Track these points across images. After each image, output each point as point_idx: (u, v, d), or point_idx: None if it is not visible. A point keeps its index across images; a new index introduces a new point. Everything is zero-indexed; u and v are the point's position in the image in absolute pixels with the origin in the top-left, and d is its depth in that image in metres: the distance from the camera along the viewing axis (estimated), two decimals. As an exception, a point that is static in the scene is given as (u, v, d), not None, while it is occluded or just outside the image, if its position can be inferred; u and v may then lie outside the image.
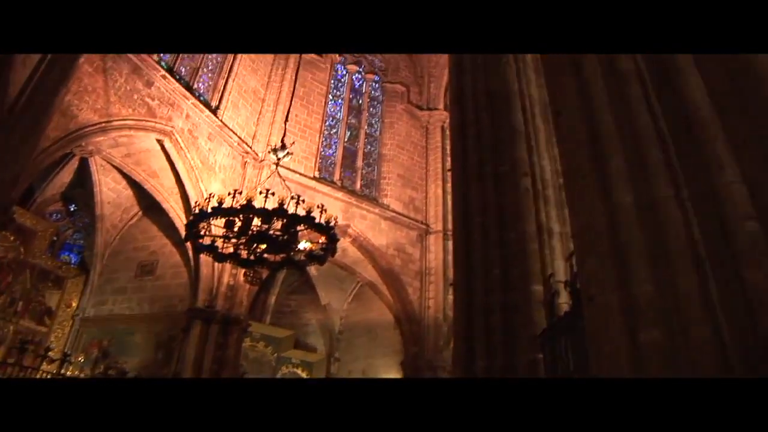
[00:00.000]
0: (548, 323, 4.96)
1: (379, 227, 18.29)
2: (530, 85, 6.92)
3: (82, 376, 13.74)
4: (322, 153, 18.76)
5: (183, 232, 11.37)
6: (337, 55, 20.67)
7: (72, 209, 16.74)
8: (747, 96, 2.88)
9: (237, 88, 16.40)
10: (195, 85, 15.29)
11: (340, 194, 17.82)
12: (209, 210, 9.39)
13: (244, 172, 15.77)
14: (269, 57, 18.04)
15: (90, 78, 11.57)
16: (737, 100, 2.92)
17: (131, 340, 14.82)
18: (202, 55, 15.95)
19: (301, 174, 16.89)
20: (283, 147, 11.76)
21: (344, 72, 21.29)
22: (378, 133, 20.89)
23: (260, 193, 9.42)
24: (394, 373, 17.45)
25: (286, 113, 14.37)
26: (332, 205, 15.91)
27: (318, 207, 9.79)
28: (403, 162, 20.15)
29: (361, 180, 19.49)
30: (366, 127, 20.85)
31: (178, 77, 14.37)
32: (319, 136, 18.63)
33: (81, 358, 14.54)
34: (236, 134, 15.68)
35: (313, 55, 19.43)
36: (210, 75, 16.24)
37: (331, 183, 18.12)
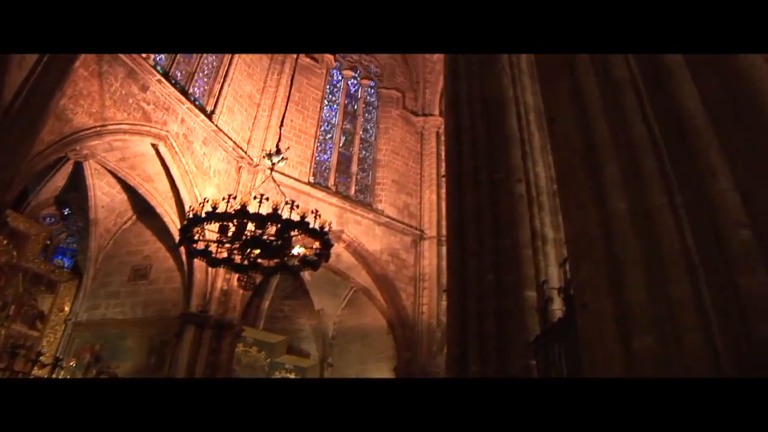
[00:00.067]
0: (542, 329, 4.96)
1: (373, 233, 18.29)
2: (525, 91, 6.95)
3: (74, 380, 13.68)
4: (317, 158, 18.76)
5: (177, 237, 11.35)
6: (332, 60, 20.69)
7: (66, 213, 16.68)
8: (740, 104, 2.90)
9: (232, 92, 16.40)
10: (190, 90, 15.28)
11: (334, 199, 17.82)
12: (203, 215, 9.36)
13: (238, 176, 15.76)
14: (265, 62, 18.05)
15: (85, 82, 11.55)
16: (731, 108, 2.94)
17: (124, 345, 14.75)
18: (197, 60, 15.95)
19: (295, 179, 16.88)
20: (278, 152, 11.73)
21: (340, 77, 21.31)
22: (373, 138, 20.90)
23: (254, 198, 9.40)
24: (387, 379, 17.42)
25: (281, 118, 14.33)
26: (326, 210, 15.89)
27: (312, 212, 9.78)
28: (397, 167, 20.16)
29: (356, 185, 19.49)
30: (361, 132, 20.86)
31: (173, 81, 14.36)
32: (314, 142, 18.63)
33: (73, 363, 14.48)
34: (231, 139, 15.67)
35: (308, 60, 19.45)
36: (205, 79, 16.23)
37: (325, 188, 18.11)
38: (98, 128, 12.06)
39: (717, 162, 2.86)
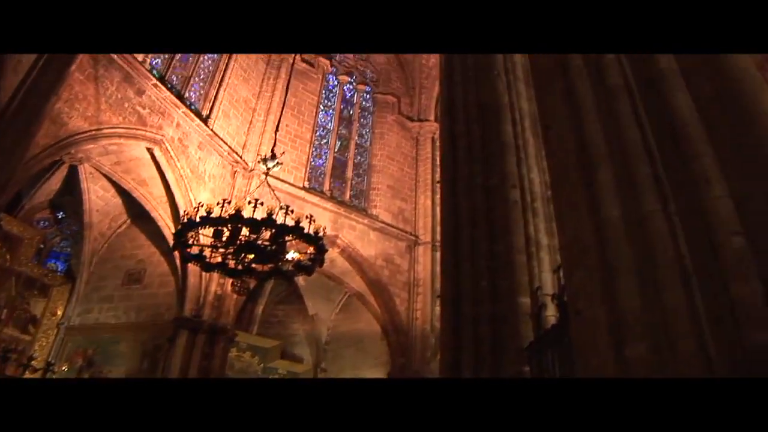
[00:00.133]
0: (535, 336, 4.96)
1: (367, 238, 18.27)
2: (520, 98, 6.96)
3: (66, 385, 13.61)
4: (312, 163, 18.75)
5: (171, 241, 11.32)
6: (329, 65, 20.70)
7: (60, 217, 16.62)
8: (734, 112, 2.91)
9: (228, 97, 16.40)
10: (186, 94, 15.27)
11: (329, 204, 17.81)
12: (198, 219, 9.35)
13: (233, 181, 15.75)
14: (261, 67, 18.06)
15: (81, 85, 11.54)
16: (724, 116, 2.95)
17: (116, 349, 14.69)
18: (193, 64, 15.95)
19: (290, 184, 16.87)
20: (273, 157, 11.72)
21: (336, 82, 21.32)
22: (368, 143, 20.90)
23: (249, 202, 9.39)
24: (381, 385, 17.32)
25: (276, 123, 14.33)
26: (321, 215, 15.89)
27: (307, 217, 9.77)
28: (392, 173, 20.16)
29: (351, 190, 19.48)
30: (356, 137, 20.86)
31: (169, 86, 14.35)
32: (310, 146, 18.63)
33: (65, 368, 14.41)
34: (226, 143, 15.66)
35: (305, 65, 19.47)
36: (201, 84, 16.23)
37: (320, 193, 18.10)
38: (93, 132, 12.04)
39: (711, 169, 2.87)
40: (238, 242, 9.54)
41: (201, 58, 16.28)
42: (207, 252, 9.98)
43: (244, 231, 9.45)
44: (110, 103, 12.32)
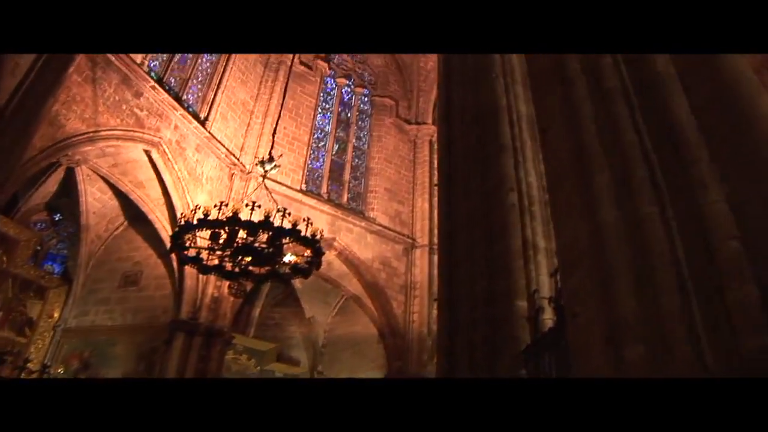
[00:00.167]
0: (532, 339, 4.95)
1: (365, 241, 18.28)
2: (518, 100, 6.95)
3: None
4: (310, 165, 18.77)
5: (168, 244, 11.31)
6: (327, 68, 20.73)
7: (56, 219, 16.61)
8: (731, 116, 2.91)
9: (226, 99, 16.41)
10: (184, 96, 15.28)
11: (326, 207, 17.82)
12: (195, 221, 9.34)
13: (231, 184, 15.75)
14: (259, 69, 18.08)
15: (79, 87, 11.53)
16: (722, 121, 2.95)
17: (112, 352, 14.68)
18: (191, 66, 15.96)
19: (287, 186, 16.88)
20: (271, 159, 11.72)
21: (334, 85, 21.34)
22: (366, 146, 20.92)
23: (246, 205, 9.39)
24: (378, 388, 17.30)
25: (274, 125, 14.34)
26: (318, 217, 15.91)
27: (304, 220, 9.77)
28: (390, 176, 20.18)
29: (348, 193, 19.50)
30: (354, 140, 20.89)
31: (167, 88, 14.37)
32: (307, 149, 18.66)
33: (61, 370, 14.40)
34: (224, 146, 15.67)
35: (303, 68, 19.49)
36: (199, 86, 16.24)
37: (317, 196, 18.11)
38: (91, 134, 12.03)
39: (708, 173, 2.87)
40: (235, 245, 9.53)
41: (199, 61, 16.31)
42: (204, 254, 9.97)
43: (242, 233, 9.44)
44: (108, 105, 12.31)
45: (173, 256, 12.20)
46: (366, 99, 21.94)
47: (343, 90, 21.54)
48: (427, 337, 17.08)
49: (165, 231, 14.12)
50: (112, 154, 13.45)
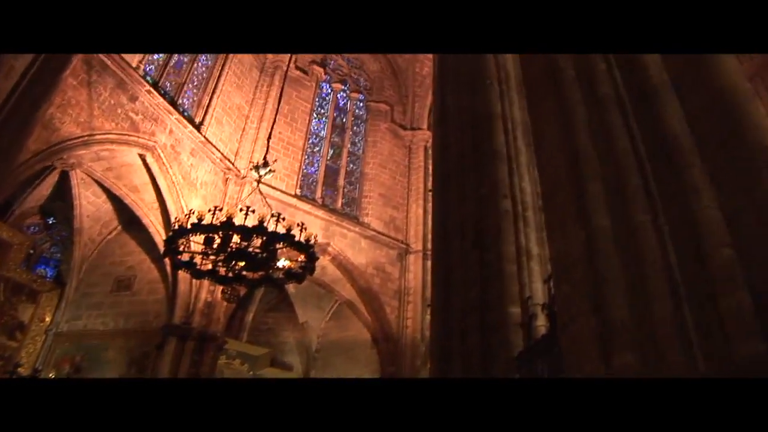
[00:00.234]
0: (525, 345, 4.96)
1: (359, 246, 18.27)
2: (513, 107, 6.97)
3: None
4: (304, 171, 18.74)
5: (162, 248, 11.29)
6: (322, 73, 20.74)
7: (50, 222, 16.54)
8: (725, 124, 2.93)
9: (221, 104, 16.39)
10: (179, 101, 15.26)
11: (320, 212, 17.80)
12: (189, 226, 9.32)
13: (225, 188, 15.72)
14: (255, 74, 18.09)
15: (74, 91, 11.51)
16: (715, 128, 2.97)
17: (104, 356, 14.60)
18: (187, 71, 15.95)
19: (282, 191, 16.85)
20: (266, 164, 11.71)
21: (329, 90, 21.33)
22: (361, 151, 20.92)
23: (241, 210, 9.37)
24: (371, 393, 17.26)
25: (269, 130, 14.32)
26: (313, 222, 15.89)
27: (298, 225, 9.75)
28: (384, 181, 20.17)
29: (343, 198, 19.48)
30: (349, 145, 20.87)
31: (162, 92, 14.35)
32: (302, 154, 18.63)
33: (52, 374, 14.32)
34: (219, 150, 15.64)
35: (298, 73, 19.48)
36: (195, 91, 16.22)
37: (312, 201, 18.09)
38: (86, 138, 12.00)
39: (700, 179, 2.89)
40: (229, 249, 9.51)
41: (195, 65, 16.30)
42: (198, 259, 9.95)
43: (235, 238, 9.43)
44: (103, 109, 12.29)
45: (167, 260, 12.15)
46: (361, 104, 21.94)
47: (338, 95, 21.54)
48: (420, 342, 17.06)
49: (159, 235, 14.08)
50: (107, 158, 13.42)
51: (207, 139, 15.27)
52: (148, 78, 13.93)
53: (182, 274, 13.12)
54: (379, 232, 18.85)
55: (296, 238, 9.55)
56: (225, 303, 14.11)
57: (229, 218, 9.13)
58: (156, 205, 14.32)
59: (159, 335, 13.97)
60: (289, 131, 18.39)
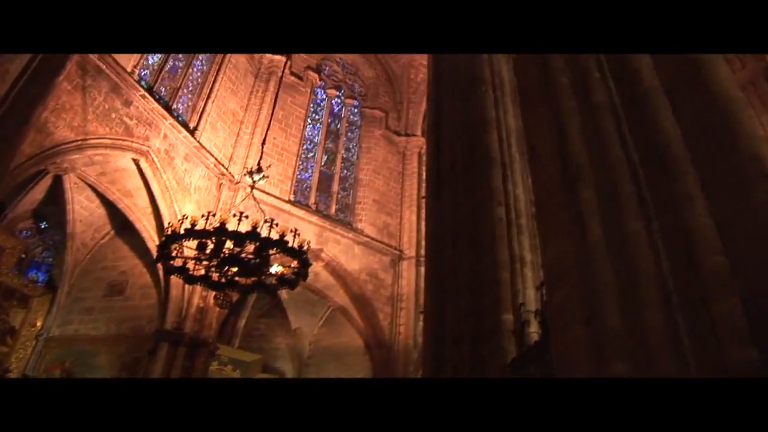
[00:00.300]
0: (518, 352, 4.96)
1: (352, 252, 18.26)
2: (507, 114, 6.98)
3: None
4: (298, 176, 18.74)
5: (154, 253, 11.27)
6: (317, 79, 20.75)
7: (42, 227, 16.47)
8: (718, 133, 2.95)
9: (216, 109, 16.39)
10: (174, 106, 15.25)
11: (314, 218, 17.79)
12: (182, 231, 9.31)
13: (219, 193, 15.70)
14: (250, 79, 18.09)
15: (68, 95, 11.48)
16: (708, 136, 2.98)
17: (95, 362, 14.52)
18: (182, 76, 15.95)
19: (276, 197, 16.84)
20: (260, 170, 11.72)
21: (324, 96, 21.35)
22: (355, 157, 20.94)
23: (234, 215, 9.38)
24: (363, 399, 17.21)
25: (263, 136, 14.35)
26: (306, 228, 15.87)
27: (291, 231, 9.76)
28: (378, 187, 20.19)
29: (336, 204, 19.48)
30: (343, 151, 20.89)
31: (157, 97, 14.33)
32: (296, 160, 18.63)
33: (42, 379, 14.24)
34: (213, 156, 15.62)
35: (293, 79, 19.50)
36: (190, 96, 16.22)
37: (305, 206, 18.08)
38: (79, 142, 11.98)
39: (693, 188, 2.90)
40: (222, 255, 9.51)
41: (190, 70, 16.30)
42: (190, 264, 9.93)
43: (228, 244, 9.42)
44: (97, 114, 12.27)
45: (159, 265, 12.14)
46: (356, 110, 21.97)
47: (333, 101, 21.56)
48: (413, 349, 17.04)
49: (152, 240, 14.07)
50: (101, 163, 13.39)
51: (201, 144, 15.26)
52: (143, 83, 13.92)
53: (175, 280, 13.06)
54: (372, 239, 18.85)
55: (289, 244, 9.55)
56: (217, 309, 14.05)
57: (223, 224, 9.13)
58: (149, 210, 14.29)
59: (151, 340, 13.93)
60: (284, 137, 18.40)
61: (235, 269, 9.82)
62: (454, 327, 5.67)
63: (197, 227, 9.16)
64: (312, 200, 18.65)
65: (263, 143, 13.61)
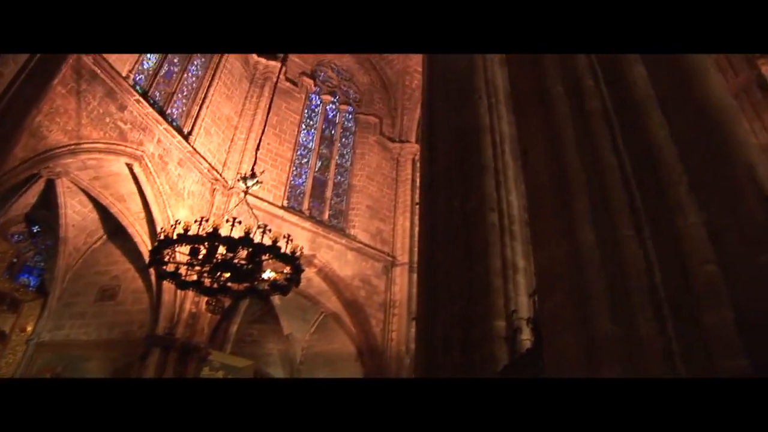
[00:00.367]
0: (510, 359, 4.96)
1: (345, 258, 18.23)
2: (501, 121, 6.99)
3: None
4: (292, 182, 18.71)
5: (147, 258, 11.23)
6: (312, 85, 20.75)
7: (35, 231, 16.39)
8: (710, 141, 2.96)
9: (210, 114, 16.35)
10: (168, 111, 15.21)
11: (307, 224, 17.76)
12: (175, 236, 9.28)
13: (212, 199, 15.66)
14: (244, 85, 18.08)
15: (63, 99, 11.44)
16: (701, 145, 2.99)
17: (86, 367, 14.42)
18: (177, 81, 15.91)
19: (269, 202, 16.81)
20: (253, 175, 11.69)
21: (318, 102, 21.35)
22: (349, 163, 20.92)
23: (227, 221, 9.35)
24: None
25: (257, 141, 14.32)
26: (299, 234, 15.85)
27: (284, 237, 9.74)
28: (372, 193, 20.17)
29: (330, 210, 19.45)
30: (337, 157, 20.87)
31: (152, 102, 14.30)
32: (290, 166, 18.61)
33: (33, 384, 14.13)
34: (207, 161, 15.59)
35: (288, 84, 19.49)
36: (184, 101, 16.18)
37: (299, 212, 18.05)
38: (73, 146, 11.93)
39: (685, 197, 2.91)
40: (215, 260, 9.48)
41: (184, 75, 16.27)
42: (183, 270, 9.90)
43: (221, 249, 9.39)
44: (91, 118, 12.23)
45: (152, 270, 12.09)
46: (350, 116, 21.97)
47: (327, 107, 21.55)
48: (405, 355, 17.00)
49: (144, 245, 14.01)
50: (94, 167, 13.34)
51: (195, 150, 15.22)
52: (138, 87, 13.88)
53: (167, 285, 13.03)
54: (365, 245, 18.83)
55: (282, 250, 9.53)
56: (209, 314, 14.04)
57: (215, 229, 9.11)
58: (142, 214, 14.24)
59: (142, 346, 13.86)
60: (278, 142, 18.38)
61: (227, 275, 9.79)
62: (447, 333, 5.67)
63: (190, 232, 9.13)
64: (305, 206, 18.62)
65: (257, 149, 13.59)
